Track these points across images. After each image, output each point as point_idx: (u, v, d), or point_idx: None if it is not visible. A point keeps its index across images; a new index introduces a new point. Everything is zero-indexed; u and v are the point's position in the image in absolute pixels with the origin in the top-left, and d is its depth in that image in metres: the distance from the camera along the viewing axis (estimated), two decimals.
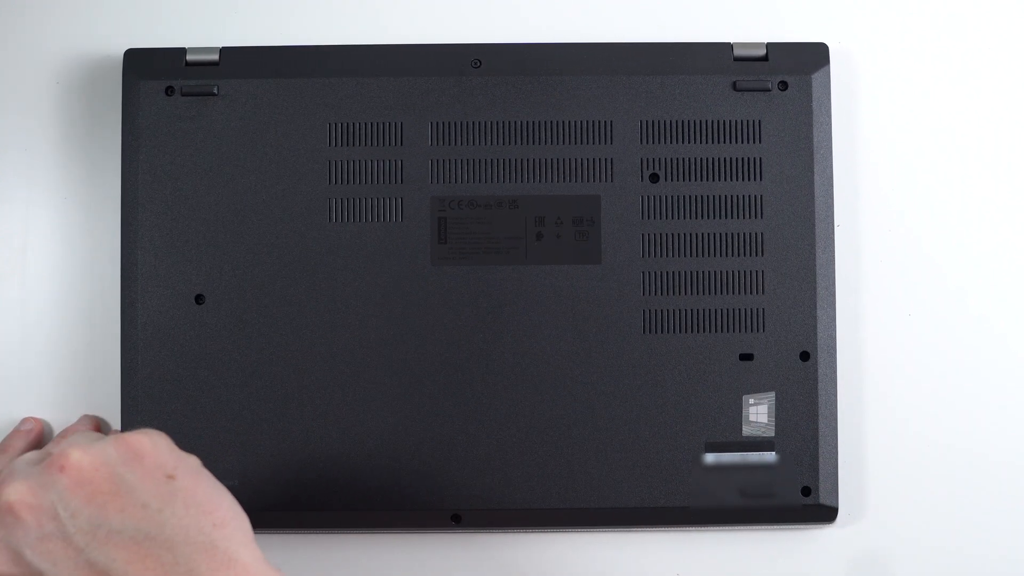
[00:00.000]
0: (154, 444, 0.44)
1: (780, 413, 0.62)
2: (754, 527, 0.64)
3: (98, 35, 0.66)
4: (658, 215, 0.63)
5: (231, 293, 0.62)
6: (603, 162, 0.63)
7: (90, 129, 0.65)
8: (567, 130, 0.63)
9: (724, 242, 0.63)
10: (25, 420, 0.64)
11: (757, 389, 0.62)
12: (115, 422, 0.64)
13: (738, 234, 0.63)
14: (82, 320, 0.65)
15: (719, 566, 0.64)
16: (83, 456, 0.42)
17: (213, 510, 0.43)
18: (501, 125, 0.63)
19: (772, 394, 0.62)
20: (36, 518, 0.40)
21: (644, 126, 0.63)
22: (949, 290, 0.65)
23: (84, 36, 0.66)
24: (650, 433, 0.62)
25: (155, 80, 0.63)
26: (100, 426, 0.64)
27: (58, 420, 0.64)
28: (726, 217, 0.63)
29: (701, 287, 0.63)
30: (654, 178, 0.63)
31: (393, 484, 0.61)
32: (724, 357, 0.62)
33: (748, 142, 0.63)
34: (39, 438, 0.64)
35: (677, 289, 0.62)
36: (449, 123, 0.63)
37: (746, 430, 0.62)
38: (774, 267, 0.62)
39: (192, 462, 0.45)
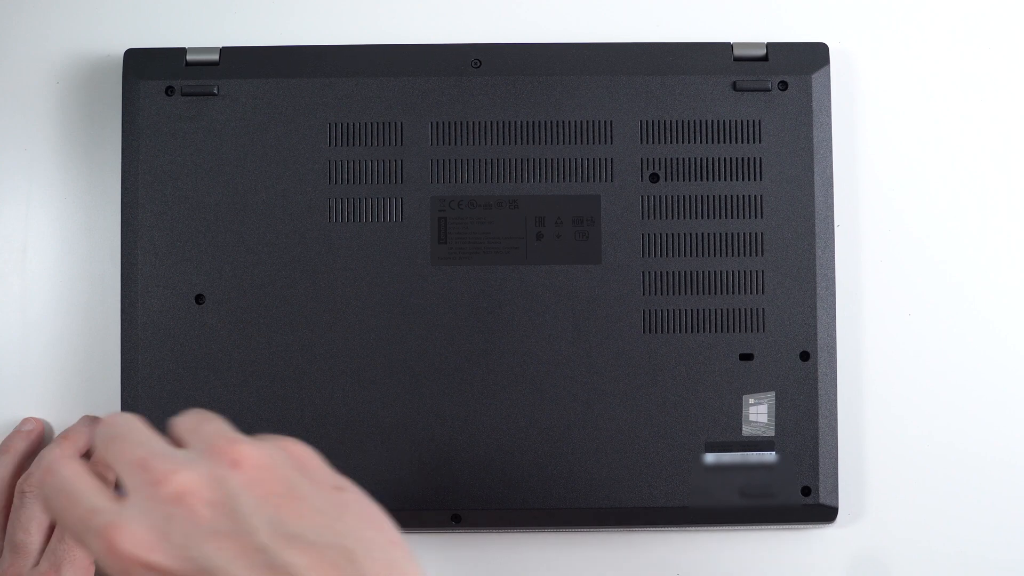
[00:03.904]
0: (313, 455, 0.41)
1: (780, 413, 0.62)
2: (754, 527, 0.64)
3: (98, 35, 0.66)
4: (658, 215, 0.63)
5: (231, 293, 0.62)
6: (603, 162, 0.63)
7: (90, 129, 0.65)
8: (567, 130, 0.63)
9: (724, 242, 0.63)
10: (26, 420, 0.64)
11: (757, 389, 0.62)
12: None
13: (738, 234, 0.63)
14: (82, 320, 0.65)
15: (719, 566, 0.64)
16: (256, 453, 0.38)
17: (385, 528, 0.40)
18: (501, 125, 0.63)
19: (772, 394, 0.62)
20: (212, 511, 0.37)
21: (644, 126, 0.63)
22: (949, 290, 0.65)
23: (84, 36, 0.66)
24: (650, 433, 0.62)
25: (155, 80, 0.63)
26: None
27: (58, 420, 0.65)
28: (726, 217, 0.63)
29: (701, 287, 0.63)
30: (654, 178, 0.63)
31: (393, 484, 0.61)
32: (724, 357, 0.62)
33: (748, 142, 0.63)
34: (39, 438, 0.64)
35: (677, 289, 0.62)
36: (449, 123, 0.63)
37: (746, 430, 0.62)
38: (774, 267, 0.63)
39: (349, 482, 0.41)
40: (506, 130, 0.63)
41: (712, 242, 0.63)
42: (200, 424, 0.40)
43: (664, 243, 0.63)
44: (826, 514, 0.62)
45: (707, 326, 0.62)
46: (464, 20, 0.66)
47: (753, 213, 0.63)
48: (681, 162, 0.63)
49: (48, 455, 0.61)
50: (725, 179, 0.63)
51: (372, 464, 0.62)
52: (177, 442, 0.40)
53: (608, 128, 0.63)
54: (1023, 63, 0.66)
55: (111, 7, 0.66)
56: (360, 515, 0.39)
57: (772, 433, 0.62)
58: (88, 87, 0.65)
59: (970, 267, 0.65)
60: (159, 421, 0.61)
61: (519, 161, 0.63)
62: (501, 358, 0.62)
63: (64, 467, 0.39)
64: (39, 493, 0.40)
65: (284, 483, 0.38)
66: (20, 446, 0.63)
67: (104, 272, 0.65)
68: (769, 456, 0.62)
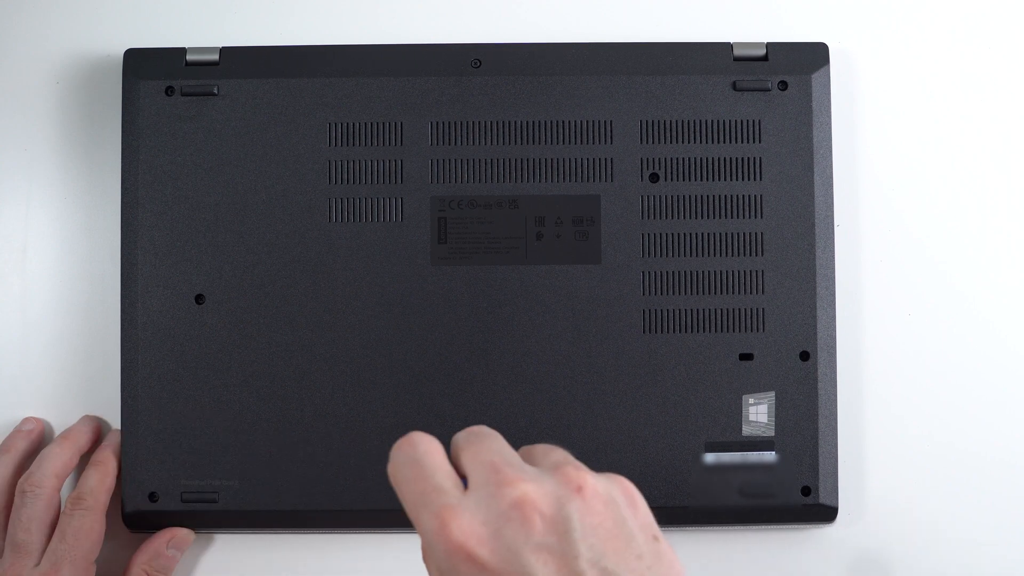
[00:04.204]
0: (643, 499, 0.42)
1: (780, 413, 0.62)
2: (754, 527, 0.64)
3: (98, 35, 0.66)
4: (658, 215, 0.63)
5: (231, 293, 0.62)
6: (603, 162, 0.63)
7: (90, 129, 0.65)
8: (567, 130, 0.63)
9: (724, 242, 0.63)
10: (26, 420, 0.64)
11: (757, 389, 0.62)
12: (115, 422, 0.64)
13: (738, 234, 0.63)
14: (82, 320, 0.65)
15: (719, 566, 0.64)
16: (598, 485, 0.40)
17: None
18: (501, 125, 0.63)
19: (772, 394, 0.62)
20: (545, 525, 0.38)
21: (644, 126, 0.63)
22: (949, 290, 0.65)
23: (84, 36, 0.66)
24: (650, 433, 0.62)
25: (155, 80, 0.63)
26: (100, 427, 0.64)
27: (58, 420, 0.65)
28: (726, 217, 0.63)
29: (701, 287, 0.63)
30: (654, 178, 0.63)
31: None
32: (724, 357, 0.62)
33: (748, 142, 0.63)
34: (40, 438, 0.64)
35: (677, 289, 0.62)
36: (449, 123, 0.63)
37: (746, 430, 0.62)
38: (774, 267, 0.63)
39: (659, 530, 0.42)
40: (506, 130, 0.63)
41: (712, 242, 0.63)
42: (550, 450, 0.43)
43: (664, 243, 0.63)
44: (826, 514, 0.62)
45: (707, 326, 0.62)
46: (464, 20, 0.66)
47: (753, 213, 0.63)
48: (681, 162, 0.63)
49: (48, 455, 0.61)
50: (725, 179, 0.63)
51: (372, 464, 0.62)
52: (527, 461, 0.42)
53: (608, 128, 0.63)
54: (1023, 63, 0.66)
55: (111, 7, 0.66)
56: (669, 569, 0.40)
57: (772, 433, 0.62)
58: (88, 87, 0.65)
59: (970, 267, 0.65)
60: (159, 421, 0.62)
61: (519, 161, 0.63)
62: (501, 358, 0.62)
63: (423, 441, 0.41)
64: (395, 456, 0.42)
65: (616, 520, 0.40)
66: (20, 446, 0.63)
67: (104, 272, 0.65)
68: (769, 456, 0.62)
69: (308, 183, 0.63)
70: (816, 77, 0.63)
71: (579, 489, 0.40)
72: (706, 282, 0.63)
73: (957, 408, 0.65)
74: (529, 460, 0.42)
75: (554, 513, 0.39)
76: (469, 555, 0.38)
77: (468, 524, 0.38)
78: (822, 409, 0.62)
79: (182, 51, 0.63)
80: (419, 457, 0.41)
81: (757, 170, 0.63)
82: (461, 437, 0.42)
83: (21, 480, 0.60)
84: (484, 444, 0.41)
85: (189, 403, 0.62)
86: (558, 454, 0.42)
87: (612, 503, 0.40)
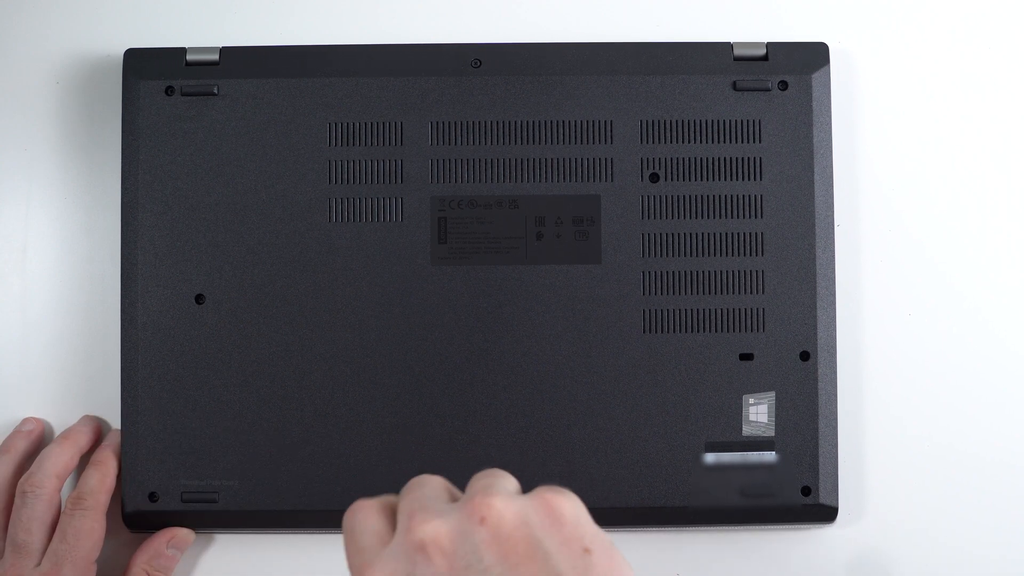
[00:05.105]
0: (575, 511, 0.41)
1: (780, 413, 0.62)
2: (754, 527, 0.64)
3: (98, 35, 0.66)
4: (658, 215, 0.63)
5: (231, 293, 0.62)
6: (603, 162, 0.63)
7: (90, 129, 0.65)
8: (567, 130, 0.63)
9: (724, 242, 0.63)
10: (26, 420, 0.64)
11: (757, 389, 0.62)
12: (115, 422, 0.64)
13: (738, 234, 0.63)
14: (82, 320, 0.65)
15: (719, 566, 0.64)
16: (505, 511, 0.39)
17: None
18: (501, 125, 0.63)
19: (772, 394, 0.62)
20: (448, 564, 0.38)
21: (644, 126, 0.63)
22: (949, 290, 0.65)
23: (84, 36, 0.66)
24: (650, 433, 0.62)
25: (155, 80, 0.63)
26: (100, 427, 0.64)
27: (58, 420, 0.65)
28: (726, 217, 0.63)
29: (701, 287, 0.63)
30: (654, 178, 0.63)
31: (394, 484, 0.61)
32: (724, 357, 0.62)
33: (748, 142, 0.63)
34: (40, 438, 0.64)
35: (677, 289, 0.62)
36: (449, 123, 0.63)
37: (746, 430, 0.62)
38: (774, 267, 0.63)
39: (605, 538, 0.41)
40: (506, 130, 0.63)
41: (712, 242, 0.63)
42: (481, 477, 0.42)
43: (664, 243, 0.63)
44: (826, 514, 0.62)
45: (707, 326, 0.62)
46: (464, 20, 0.66)
47: (753, 213, 0.63)
48: (681, 162, 0.63)
49: (48, 455, 0.61)
50: (725, 179, 0.63)
51: (372, 464, 0.62)
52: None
53: (608, 128, 0.63)
54: (1023, 63, 0.66)
55: (111, 7, 0.66)
56: None
57: (772, 433, 0.62)
58: (88, 87, 0.65)
59: (970, 267, 0.65)
60: (159, 421, 0.62)
61: (519, 161, 0.63)
62: (501, 358, 0.62)
63: (360, 508, 0.42)
64: (343, 527, 0.43)
65: (527, 544, 0.39)
66: (20, 446, 0.63)
67: (104, 272, 0.65)
68: (769, 456, 0.62)
69: (308, 183, 0.63)
70: (816, 77, 0.63)
71: (482, 520, 0.39)
72: (706, 282, 0.63)
73: (957, 408, 0.65)
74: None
75: (456, 549, 0.39)
76: None
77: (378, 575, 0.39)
78: (822, 409, 0.62)
79: (182, 51, 0.63)
80: (352, 525, 0.41)
81: (757, 170, 0.63)
82: (403, 490, 0.43)
83: (21, 480, 0.60)
84: (412, 494, 0.41)
85: (189, 403, 0.62)
86: (482, 483, 0.41)
87: (523, 526, 0.39)
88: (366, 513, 0.42)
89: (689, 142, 0.63)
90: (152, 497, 0.62)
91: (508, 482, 0.42)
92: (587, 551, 0.40)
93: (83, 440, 0.62)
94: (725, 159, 0.63)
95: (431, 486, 0.42)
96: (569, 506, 0.41)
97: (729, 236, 0.63)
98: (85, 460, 0.63)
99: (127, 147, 0.63)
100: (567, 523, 0.40)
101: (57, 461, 0.61)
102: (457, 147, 0.63)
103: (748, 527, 0.64)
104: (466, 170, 0.63)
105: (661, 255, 0.63)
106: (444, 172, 0.63)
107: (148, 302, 0.62)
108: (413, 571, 0.38)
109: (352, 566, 0.40)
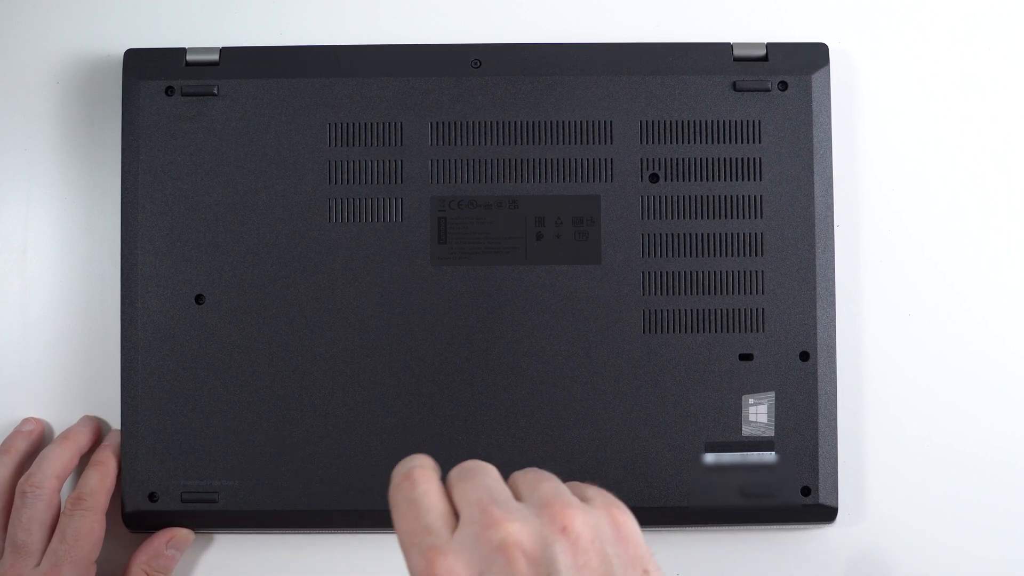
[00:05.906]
0: (636, 529, 0.42)
1: (780, 413, 0.62)
2: (754, 527, 0.64)
3: (98, 35, 0.66)
4: (658, 215, 0.63)
5: (231, 293, 0.62)
6: (603, 162, 0.63)
7: (90, 129, 0.65)
8: (567, 130, 0.63)
9: (724, 242, 0.63)
10: (26, 420, 0.64)
11: (757, 389, 0.62)
12: (115, 422, 0.64)
13: (738, 234, 0.63)
14: (82, 320, 0.65)
15: (719, 566, 0.64)
16: (585, 524, 0.40)
17: None
18: (501, 125, 0.63)
19: (772, 394, 0.62)
20: (528, 568, 0.38)
21: (644, 126, 0.63)
22: (948, 290, 0.65)
23: (84, 36, 0.66)
24: (650, 433, 0.62)
25: (155, 80, 0.63)
26: (100, 427, 0.64)
27: (58, 420, 0.65)
28: (726, 217, 0.63)
29: (701, 287, 0.63)
30: (654, 178, 0.63)
31: None
32: (724, 357, 0.62)
33: (748, 142, 0.63)
34: (40, 438, 0.64)
35: (677, 289, 0.62)
36: (449, 123, 0.63)
37: (746, 430, 0.62)
38: (774, 267, 0.63)
39: (656, 562, 0.42)
40: (506, 130, 0.63)
41: (712, 242, 0.63)
42: (539, 481, 0.42)
43: (664, 243, 0.63)
44: (826, 514, 0.62)
45: (707, 326, 0.62)
46: (464, 20, 0.66)
47: (753, 213, 0.63)
48: (681, 162, 0.63)
49: (48, 455, 0.61)
50: (725, 179, 0.63)
51: (372, 464, 0.62)
52: (516, 494, 0.42)
53: (608, 128, 0.63)
54: (1023, 63, 0.66)
55: (111, 7, 0.66)
56: None
57: (772, 433, 0.62)
58: (88, 87, 0.65)
59: (970, 267, 0.65)
60: (159, 421, 0.62)
61: (519, 161, 0.63)
62: (501, 358, 0.62)
63: (423, 480, 0.42)
64: (394, 492, 0.43)
65: (601, 559, 0.39)
66: (20, 446, 0.63)
67: (104, 272, 0.65)
68: (769, 456, 0.62)
69: (308, 183, 0.63)
70: (816, 77, 0.63)
71: (564, 529, 0.39)
72: (706, 282, 0.63)
73: (957, 408, 0.65)
74: (517, 489, 0.42)
75: (538, 555, 0.39)
76: None
77: (453, 565, 0.38)
78: (822, 409, 0.62)
79: (182, 51, 0.63)
80: (416, 497, 0.41)
81: (757, 170, 0.63)
82: (454, 473, 0.43)
83: (21, 481, 0.60)
84: (474, 481, 0.41)
85: (189, 403, 0.62)
86: (547, 486, 0.42)
87: (598, 541, 0.40)
88: (428, 487, 0.42)
89: (689, 142, 0.63)
90: (152, 497, 0.62)
91: (566, 487, 0.42)
92: (647, 572, 0.40)
93: (83, 440, 0.62)
94: (725, 159, 0.63)
95: (493, 476, 0.42)
96: (632, 524, 0.41)
97: (729, 236, 0.63)
98: (85, 460, 0.63)
99: (127, 147, 0.63)
100: (632, 542, 0.41)
101: (57, 461, 0.61)
102: (457, 147, 0.63)
103: (748, 527, 0.64)
104: (466, 170, 0.63)
105: (661, 255, 0.63)
106: (444, 172, 0.63)
107: (148, 302, 0.62)
108: (489, 569, 0.38)
109: (412, 543, 0.40)
